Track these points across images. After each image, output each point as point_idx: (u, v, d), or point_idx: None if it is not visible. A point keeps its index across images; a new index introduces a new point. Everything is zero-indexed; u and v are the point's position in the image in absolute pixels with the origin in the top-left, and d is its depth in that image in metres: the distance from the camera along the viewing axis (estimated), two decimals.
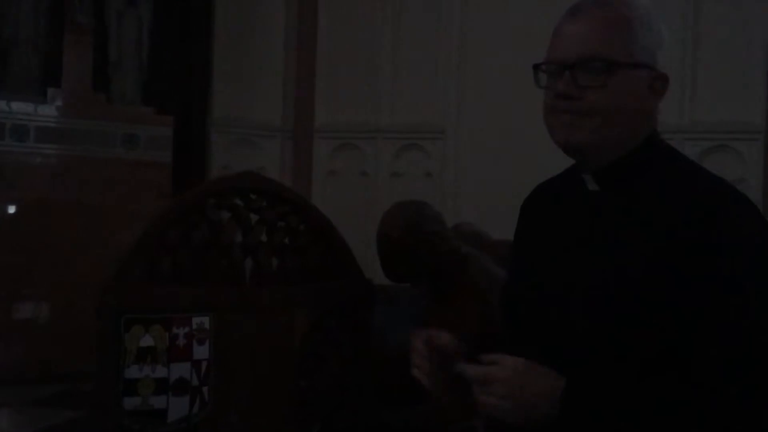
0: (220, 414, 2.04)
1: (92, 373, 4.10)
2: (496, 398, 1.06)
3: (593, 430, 1.05)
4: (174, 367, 1.91)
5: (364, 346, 2.30)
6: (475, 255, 2.06)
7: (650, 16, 1.17)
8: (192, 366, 1.94)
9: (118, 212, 4.81)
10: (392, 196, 5.70)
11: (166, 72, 5.35)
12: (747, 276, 1.07)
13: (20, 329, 4.53)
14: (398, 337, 2.60)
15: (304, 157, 5.92)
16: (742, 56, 4.73)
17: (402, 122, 5.73)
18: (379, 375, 2.35)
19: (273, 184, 2.26)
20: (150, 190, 4.98)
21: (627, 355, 1.08)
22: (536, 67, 1.21)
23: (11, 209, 4.58)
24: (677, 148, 1.24)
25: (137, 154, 5.04)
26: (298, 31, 5.95)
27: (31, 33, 4.81)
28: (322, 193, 5.82)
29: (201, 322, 1.95)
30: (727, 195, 1.13)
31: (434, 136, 5.69)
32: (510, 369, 1.07)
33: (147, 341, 1.88)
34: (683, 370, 1.06)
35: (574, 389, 1.06)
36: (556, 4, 4.79)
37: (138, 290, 1.97)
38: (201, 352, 1.95)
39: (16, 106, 4.61)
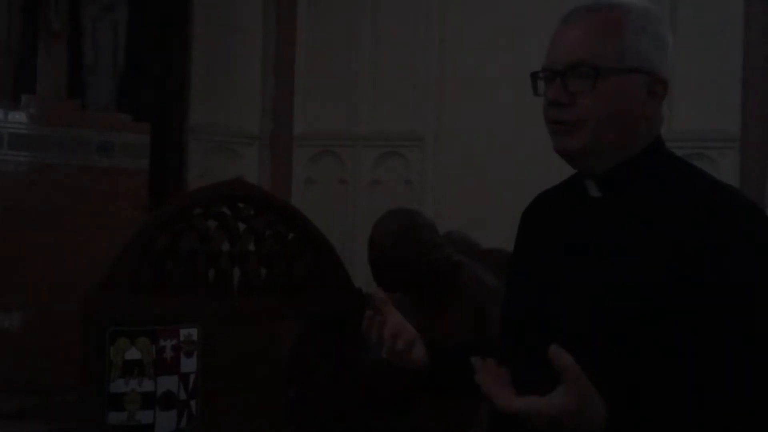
0: (208, 427, 1.99)
1: (66, 385, 4.04)
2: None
3: None
4: (161, 381, 1.86)
5: (353, 356, 2.26)
6: (467, 263, 2.05)
7: (646, 20, 1.17)
8: (179, 379, 1.89)
9: (94, 221, 4.73)
10: (372, 204, 5.70)
11: (143, 78, 5.28)
12: (755, 281, 1.07)
13: None
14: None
15: (283, 164, 5.88)
16: (718, 64, 4.80)
17: (381, 130, 5.72)
18: (368, 385, 2.32)
19: (261, 192, 2.23)
20: (126, 198, 4.91)
21: (632, 363, 1.07)
22: (534, 75, 1.21)
23: None
24: None
25: (113, 161, 4.95)
26: (277, 38, 5.92)
27: (4, 37, 4.72)
28: (301, 201, 5.77)
29: (189, 333, 1.91)
30: (732, 200, 1.13)
31: (413, 144, 5.69)
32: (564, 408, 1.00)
33: (133, 354, 1.83)
34: (695, 381, 1.05)
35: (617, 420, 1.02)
36: (535, 12, 4.88)
37: (123, 301, 1.92)
38: (189, 364, 1.90)
39: None
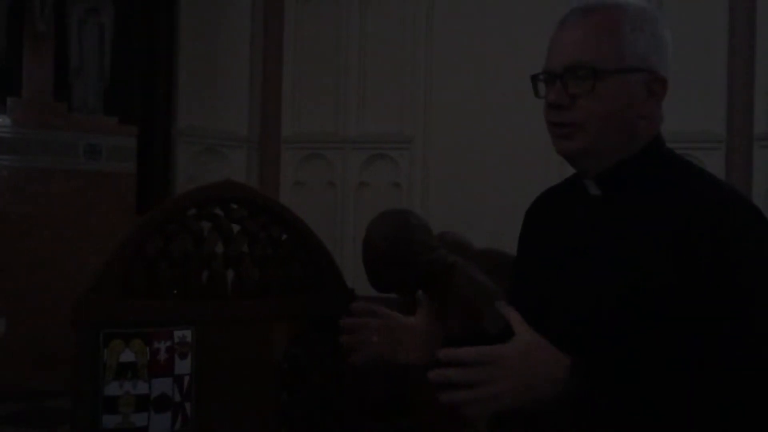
0: (201, 429, 1.97)
1: (54, 390, 4.01)
2: (493, 382, 1.02)
3: (598, 413, 1.04)
4: (155, 383, 1.84)
5: (346, 358, 2.25)
6: (461, 264, 2.04)
7: (644, 19, 1.18)
8: (174, 381, 1.87)
9: (80, 225, 4.71)
10: (360, 207, 5.71)
11: (130, 81, 5.25)
12: (754, 280, 1.08)
13: None
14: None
15: (271, 167, 5.88)
16: (704, 65, 4.84)
17: (369, 132, 5.73)
18: (360, 387, 2.31)
19: (254, 194, 2.21)
20: (113, 201, 4.89)
21: (633, 360, 1.08)
22: (534, 78, 1.22)
23: None
24: None
25: (100, 164, 4.93)
26: (265, 40, 5.91)
27: None
28: (290, 203, 5.71)
29: (183, 335, 1.89)
30: (731, 199, 1.14)
31: (402, 146, 5.70)
32: (513, 345, 1.04)
33: (127, 356, 1.81)
34: (689, 371, 1.06)
35: (581, 369, 1.04)
36: (525, 13, 4.90)
37: (116, 303, 1.90)
38: (183, 366, 1.88)
39: None
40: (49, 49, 4.82)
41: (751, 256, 1.08)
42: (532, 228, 1.34)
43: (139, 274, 1.96)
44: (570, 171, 1.30)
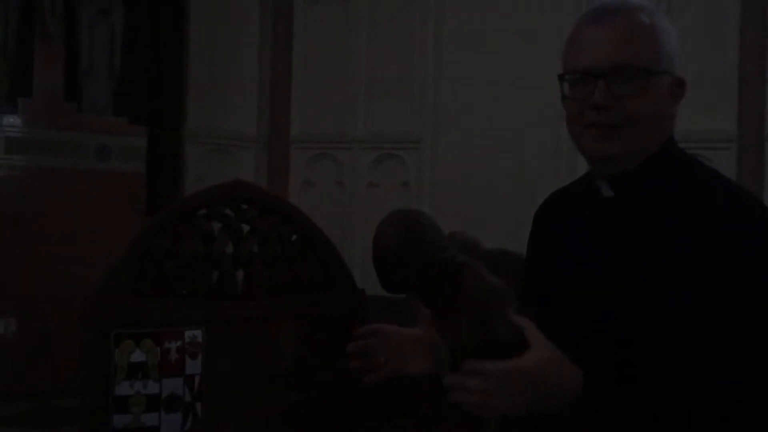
0: (211, 429, 1.98)
1: (62, 390, 4.02)
2: (508, 394, 1.02)
3: (610, 422, 1.03)
4: (166, 383, 1.85)
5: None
6: (471, 264, 2.04)
7: (665, 21, 1.18)
8: (184, 381, 1.88)
9: (90, 225, 4.72)
10: (369, 207, 5.70)
11: (139, 81, 5.27)
12: (765, 278, 1.07)
13: None
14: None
15: (280, 167, 5.88)
16: (715, 64, 4.81)
17: (378, 132, 5.72)
18: (366, 387, 2.31)
19: (264, 194, 2.22)
20: (123, 202, 4.90)
21: (647, 361, 1.07)
22: (560, 78, 1.19)
23: None
24: None
25: (109, 165, 4.94)
26: (273, 41, 5.91)
27: (0, 41, 4.70)
28: (298, 203, 5.73)
29: (193, 335, 1.90)
30: (743, 200, 1.13)
31: (411, 146, 5.69)
32: (530, 360, 1.04)
33: (138, 356, 1.82)
34: (702, 374, 1.06)
35: (594, 383, 1.03)
36: (533, 14, 4.88)
37: (127, 303, 1.91)
38: (193, 366, 1.89)
39: None
40: (60, 50, 4.83)
41: (763, 257, 1.07)
42: (542, 230, 1.32)
43: (150, 274, 1.97)
44: (580, 173, 1.29)
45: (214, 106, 5.58)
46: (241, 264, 2.11)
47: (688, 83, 1.18)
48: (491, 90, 5.37)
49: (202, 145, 5.61)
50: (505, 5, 5.38)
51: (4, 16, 4.69)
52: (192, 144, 5.56)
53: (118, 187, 4.91)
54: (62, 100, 4.83)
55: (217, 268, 2.08)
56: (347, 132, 5.78)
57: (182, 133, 5.53)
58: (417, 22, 5.65)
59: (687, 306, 1.06)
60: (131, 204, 4.89)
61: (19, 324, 4.53)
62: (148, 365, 1.83)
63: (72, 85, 4.93)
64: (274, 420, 2.21)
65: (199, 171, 5.50)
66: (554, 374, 1.04)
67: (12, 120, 4.61)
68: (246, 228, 2.14)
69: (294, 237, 2.18)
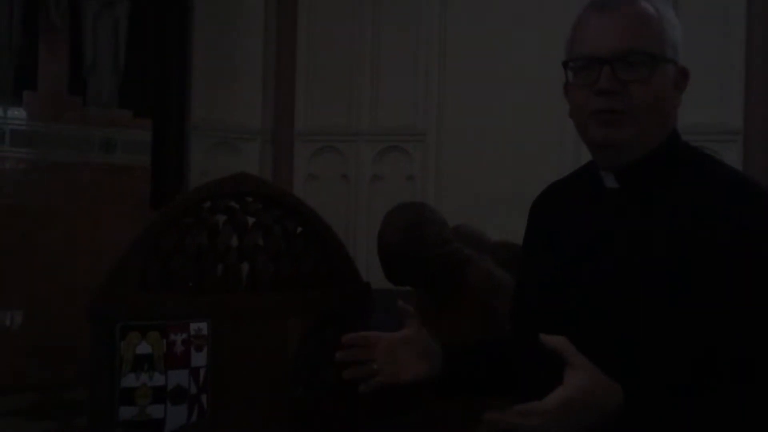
0: (216, 422, 1.99)
1: (69, 382, 4.04)
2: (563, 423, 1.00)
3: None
4: (172, 375, 1.85)
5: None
6: (476, 257, 2.04)
7: (670, 11, 1.17)
8: (190, 373, 1.88)
9: (95, 218, 4.73)
10: (373, 200, 5.71)
11: (144, 74, 5.27)
12: None
13: None
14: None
15: (285, 160, 5.88)
16: (721, 57, 4.80)
17: (383, 125, 5.72)
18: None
19: (269, 187, 2.22)
20: (128, 194, 4.91)
21: (654, 355, 1.07)
22: (565, 65, 1.18)
23: None
24: None
25: (114, 158, 4.95)
26: (278, 34, 5.91)
27: (5, 34, 4.70)
28: (303, 196, 5.72)
29: (199, 328, 1.90)
30: (750, 189, 1.12)
31: (415, 139, 5.69)
32: (581, 384, 1.01)
33: (144, 349, 1.82)
34: (713, 370, 1.05)
35: (634, 398, 1.02)
36: (536, 8, 4.84)
37: (133, 296, 1.91)
38: (199, 359, 1.90)
39: None
40: (65, 44, 4.84)
41: None
42: (540, 222, 1.31)
43: (155, 267, 1.98)
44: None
45: (218, 100, 5.58)
46: (246, 257, 2.11)
47: (691, 74, 1.18)
48: (496, 82, 5.36)
49: (207, 139, 5.62)
50: None
51: (9, 10, 4.70)
52: (197, 137, 5.57)
53: (122, 180, 4.92)
54: (67, 94, 4.84)
55: (222, 262, 2.08)
56: (352, 125, 5.78)
57: (187, 126, 5.53)
58: (422, 15, 5.64)
59: (698, 301, 1.05)
60: (136, 197, 4.90)
61: (25, 316, 4.55)
62: (154, 357, 1.83)
63: (77, 78, 4.94)
64: (279, 413, 2.21)
65: (204, 164, 5.51)
66: (600, 396, 1.02)
67: (17, 113, 4.62)
68: (251, 221, 2.13)
69: (299, 230, 2.18)
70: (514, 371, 1.27)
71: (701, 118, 4.83)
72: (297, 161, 5.90)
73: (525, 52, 5.20)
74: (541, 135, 5.21)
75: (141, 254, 1.97)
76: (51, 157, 4.73)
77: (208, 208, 2.06)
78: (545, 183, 1.35)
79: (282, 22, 5.92)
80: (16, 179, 4.63)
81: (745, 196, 1.11)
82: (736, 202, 1.09)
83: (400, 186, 5.64)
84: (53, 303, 4.47)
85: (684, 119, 1.22)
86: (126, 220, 4.61)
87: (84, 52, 5.00)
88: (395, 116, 5.67)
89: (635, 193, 1.16)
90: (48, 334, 4.45)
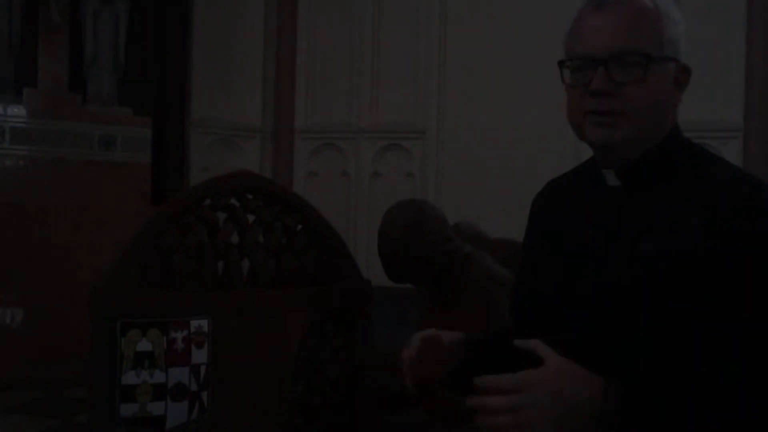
0: (217, 419, 1.99)
1: (68, 379, 4.04)
2: (534, 406, 1.00)
3: (638, 427, 1.02)
4: (172, 372, 1.85)
5: (362, 349, 2.26)
6: (477, 255, 2.04)
7: (671, 7, 1.16)
8: (190, 371, 1.88)
9: (95, 215, 4.73)
10: (373, 197, 5.71)
11: (144, 72, 5.26)
12: None
13: None
14: (387, 338, 2.58)
15: (285, 157, 5.88)
16: (721, 53, 4.79)
17: (383, 122, 5.71)
18: (375, 378, 2.32)
19: (269, 184, 2.21)
20: (128, 192, 4.91)
21: (655, 352, 1.06)
22: (561, 64, 1.18)
23: None
24: None
25: (114, 155, 4.95)
26: (278, 31, 5.90)
27: (5, 31, 4.69)
28: (303, 193, 5.74)
29: (199, 325, 1.90)
30: (752, 185, 1.12)
31: (415, 136, 5.68)
32: (547, 370, 1.03)
33: (144, 346, 1.82)
34: (714, 369, 1.05)
35: (616, 389, 1.02)
36: (536, 5, 4.82)
37: (133, 294, 1.92)
38: (200, 356, 1.90)
39: None
40: (64, 40, 4.84)
41: None
42: (541, 220, 1.31)
43: (156, 264, 1.98)
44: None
45: (218, 97, 5.58)
46: (247, 254, 2.11)
47: (692, 71, 1.17)
48: (496, 79, 5.35)
49: (207, 136, 5.62)
50: None
51: (8, 7, 4.69)
52: (197, 134, 5.56)
53: (123, 178, 4.92)
54: (67, 91, 4.83)
55: (223, 259, 2.08)
56: (352, 122, 5.78)
57: (187, 123, 5.53)
58: (422, 11, 5.63)
59: (699, 294, 1.05)
60: (136, 194, 4.90)
61: (25, 314, 4.55)
62: (155, 355, 1.83)
63: (77, 75, 4.94)
64: (280, 410, 2.21)
65: (204, 161, 5.51)
66: (573, 383, 1.02)
67: (17, 110, 4.61)
68: (251, 218, 2.13)
69: (299, 227, 2.18)
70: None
71: (701, 114, 4.83)
72: (297, 158, 5.90)
73: (526, 49, 5.20)
74: (542, 132, 5.20)
75: (142, 251, 1.97)
76: (51, 155, 4.73)
77: (208, 206, 2.06)
78: (545, 180, 1.34)
79: (282, 18, 5.91)
80: (16, 177, 4.63)
81: (746, 193, 1.10)
82: (737, 199, 1.09)
83: (400, 183, 5.63)
84: (54, 301, 4.48)
85: (683, 116, 1.21)
86: (126, 217, 4.62)
87: (84, 50, 4.99)
88: (395, 113, 5.67)
89: (636, 190, 1.16)
90: (48, 332, 4.46)
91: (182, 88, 5.48)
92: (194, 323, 1.89)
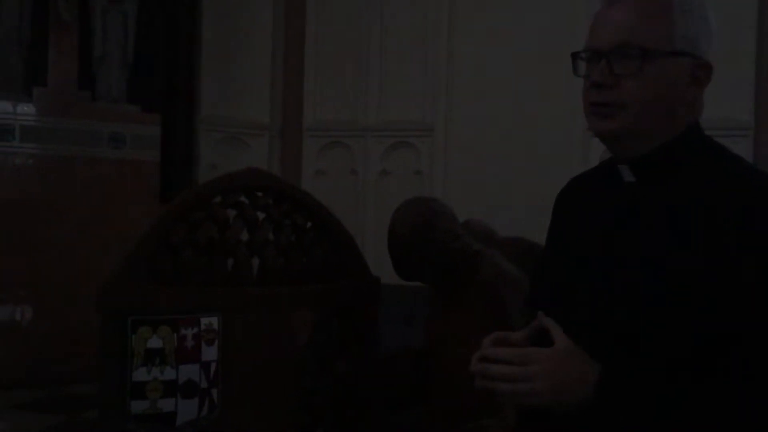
0: (226, 416, 1.99)
1: (77, 376, 4.06)
2: (530, 379, 1.06)
3: (625, 418, 1.05)
4: (182, 369, 1.86)
5: (370, 346, 2.26)
6: (487, 252, 2.04)
7: (693, 2, 1.16)
8: (201, 368, 1.89)
9: (104, 213, 4.75)
10: (381, 195, 5.70)
11: (153, 69, 5.28)
12: None
13: (1, 332, 4.44)
14: (394, 336, 2.58)
15: (293, 155, 5.88)
16: (731, 51, 4.76)
17: (391, 120, 5.71)
18: (383, 374, 2.32)
19: (279, 182, 2.22)
20: (137, 189, 4.92)
21: (672, 347, 1.06)
22: (574, 56, 1.19)
23: None
24: None
25: (123, 153, 4.97)
26: (286, 29, 5.91)
27: (15, 30, 4.71)
28: (311, 192, 5.74)
29: (209, 322, 1.90)
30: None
31: (423, 134, 5.68)
32: (551, 350, 1.08)
33: (155, 343, 1.83)
34: (726, 364, 1.05)
35: (610, 375, 1.06)
36: (545, 3, 4.79)
37: (143, 290, 1.92)
38: (210, 353, 1.90)
39: (0, 105, 4.53)
40: (74, 38, 4.85)
41: None
42: (562, 215, 1.32)
43: (165, 261, 1.98)
44: (593, 160, 1.28)
45: (227, 94, 5.59)
46: (256, 251, 2.11)
47: (711, 67, 1.17)
48: (505, 77, 5.34)
49: (216, 133, 5.63)
50: None
51: (19, 6, 4.71)
52: (205, 132, 5.57)
53: (132, 175, 4.94)
54: (76, 89, 4.85)
55: (233, 256, 2.08)
56: (360, 120, 5.78)
57: (195, 120, 5.54)
58: (430, 9, 5.63)
59: (716, 291, 1.05)
60: (145, 192, 4.92)
61: (34, 311, 4.57)
62: (165, 351, 1.84)
63: (86, 73, 4.95)
64: (289, 407, 2.21)
65: (213, 159, 5.52)
66: (574, 364, 1.07)
67: (27, 109, 4.63)
68: (261, 216, 2.14)
69: (308, 224, 2.18)
70: None
71: (711, 112, 4.79)
72: (305, 156, 5.90)
73: (534, 47, 5.19)
74: (551, 129, 5.19)
75: (151, 248, 1.98)
76: (60, 153, 4.74)
77: (218, 203, 2.07)
78: (555, 177, 1.36)
79: (290, 17, 5.91)
80: (26, 175, 4.65)
81: (761, 190, 1.10)
82: (751, 196, 1.08)
83: (408, 181, 5.63)
84: (63, 297, 4.49)
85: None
86: (135, 215, 4.63)
87: (93, 47, 5.01)
88: (403, 111, 5.66)
89: (651, 186, 1.16)
90: (57, 329, 4.48)
91: (191, 85, 5.50)
92: (204, 320, 1.90)
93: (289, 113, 5.91)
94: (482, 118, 5.45)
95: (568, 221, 1.28)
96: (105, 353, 1.88)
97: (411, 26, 5.66)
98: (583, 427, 1.07)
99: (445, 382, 2.05)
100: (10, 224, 4.49)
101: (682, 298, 1.06)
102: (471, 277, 2.01)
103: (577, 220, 1.25)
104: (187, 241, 2.01)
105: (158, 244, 1.98)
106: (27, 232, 4.53)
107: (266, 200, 2.12)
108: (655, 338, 1.07)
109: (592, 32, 1.17)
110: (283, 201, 2.14)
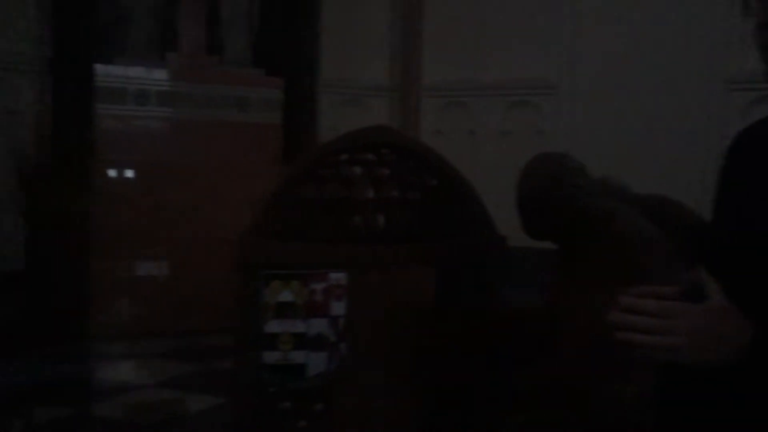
0: (353, 371, 2.03)
1: (209, 328, 4.26)
2: (673, 334, 0.98)
3: None
4: (312, 323, 1.90)
5: (495, 305, 2.23)
6: (622, 209, 1.94)
7: None
8: (329, 322, 1.92)
9: (230, 174, 4.93)
10: (500, 156, 5.59)
11: (276, 33, 5.38)
12: None
13: (142, 286, 4.74)
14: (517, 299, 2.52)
15: (412, 116, 5.86)
16: None
17: (511, 78, 5.56)
18: (506, 332, 2.28)
19: (405, 139, 2.20)
20: (261, 152, 5.07)
21: None
22: None
23: (131, 172, 4.75)
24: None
25: (249, 116, 5.11)
26: None
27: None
28: None
29: (338, 278, 1.93)
30: None
31: (546, 92, 5.50)
32: (702, 306, 1.01)
33: (286, 296, 1.88)
34: None
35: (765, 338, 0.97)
36: None
37: (274, 246, 1.97)
38: (338, 308, 1.93)
39: (135, 71, 4.76)
40: (203, 5, 5.01)
41: None
42: (742, 165, 1.23)
43: (295, 218, 2.02)
44: (724, 121, 1.17)
45: (347, 57, 5.62)
46: (382, 209, 2.12)
47: None
48: (631, 33, 5.06)
49: (336, 95, 5.69)
50: None
51: None
52: (326, 94, 5.64)
53: (257, 138, 5.09)
54: (206, 54, 5.02)
55: (359, 213, 2.09)
56: (479, 79, 5.66)
57: (317, 83, 5.62)
58: None
59: None
60: (269, 154, 5.05)
61: (170, 267, 4.83)
62: (296, 305, 1.88)
63: (214, 38, 5.11)
64: (412, 361, 2.22)
65: (333, 121, 5.59)
66: (724, 324, 0.99)
67: (157, 74, 4.85)
68: (386, 173, 2.13)
69: (434, 181, 2.16)
70: None
71: None
72: (424, 116, 5.87)
73: (662, 1, 4.88)
74: (680, 87, 4.89)
75: (281, 205, 2.02)
76: (190, 116, 4.94)
77: (344, 160, 2.08)
78: (682, 136, 1.26)
79: None
80: (159, 138, 4.88)
81: None
82: None
83: (529, 141, 5.49)
84: (194, 255, 4.73)
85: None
86: (261, 176, 4.77)
87: (220, 13, 5.15)
88: (525, 68, 5.50)
89: None
90: (191, 284, 4.72)
91: (312, 48, 5.56)
92: (333, 276, 1.93)
93: (408, 73, 5.88)
94: (608, 75, 5.21)
95: (749, 171, 1.19)
96: (239, 306, 1.95)
97: None
98: (728, 390, 1.00)
99: (575, 339, 1.99)
100: (147, 186, 4.75)
101: None
102: (604, 235, 1.92)
103: (756, 171, 1.16)
104: (314, 199, 2.04)
105: (288, 201, 2.02)
106: (161, 194, 4.78)
107: (392, 157, 2.11)
108: None
109: None
110: (409, 158, 2.12)
